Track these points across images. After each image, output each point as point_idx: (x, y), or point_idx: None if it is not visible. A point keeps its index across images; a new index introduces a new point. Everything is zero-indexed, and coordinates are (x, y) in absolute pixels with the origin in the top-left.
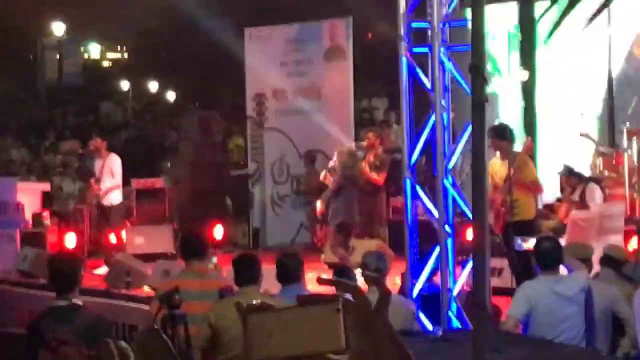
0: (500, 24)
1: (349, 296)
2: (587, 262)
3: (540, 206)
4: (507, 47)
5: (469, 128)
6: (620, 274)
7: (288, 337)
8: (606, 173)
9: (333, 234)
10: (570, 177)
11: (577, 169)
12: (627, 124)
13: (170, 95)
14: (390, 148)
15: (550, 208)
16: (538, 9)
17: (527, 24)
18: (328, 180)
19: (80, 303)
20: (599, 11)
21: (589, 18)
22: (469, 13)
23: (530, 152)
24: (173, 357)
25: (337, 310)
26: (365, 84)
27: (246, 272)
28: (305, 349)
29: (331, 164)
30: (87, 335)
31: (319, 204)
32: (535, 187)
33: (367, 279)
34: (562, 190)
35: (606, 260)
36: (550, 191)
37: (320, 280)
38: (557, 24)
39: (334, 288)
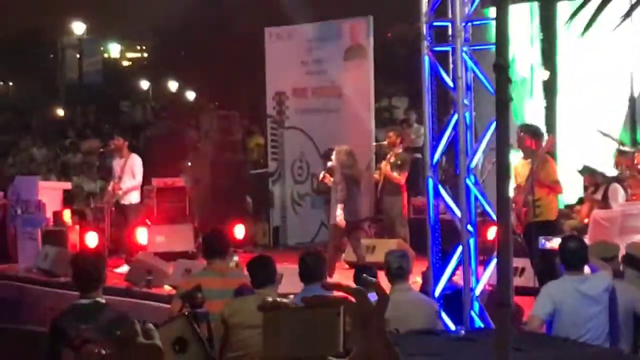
0: (520, 24)
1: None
2: (612, 261)
3: (562, 206)
4: (528, 46)
5: (492, 127)
6: None
7: (292, 337)
8: (628, 172)
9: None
10: (593, 176)
11: (600, 169)
12: None
13: (190, 95)
14: (410, 147)
15: (572, 208)
16: (560, 8)
17: (547, 24)
18: (327, 180)
19: (103, 301)
20: (631, 10)
21: (620, 17)
22: (489, 12)
23: (551, 149)
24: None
25: (338, 314)
26: (385, 83)
27: (261, 273)
28: (306, 351)
29: (329, 164)
30: (111, 333)
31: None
32: (555, 188)
33: (364, 283)
34: (585, 189)
35: (628, 259)
36: (572, 191)
37: (325, 285)
38: (593, 19)
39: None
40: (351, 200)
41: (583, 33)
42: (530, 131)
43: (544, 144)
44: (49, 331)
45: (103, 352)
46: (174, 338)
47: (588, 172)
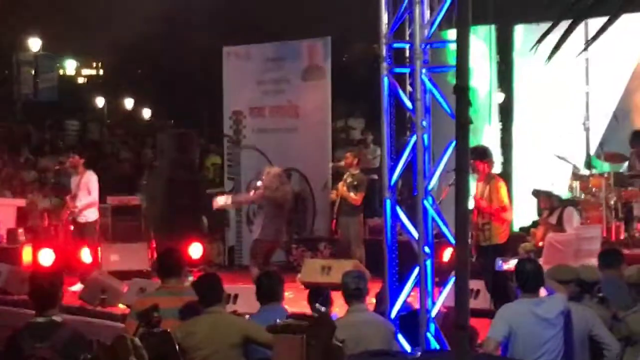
0: (476, 46)
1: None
2: (569, 283)
3: (516, 229)
4: (487, 68)
5: (450, 148)
6: (595, 296)
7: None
8: (583, 196)
9: (251, 249)
10: (549, 199)
11: (555, 192)
12: (603, 146)
13: (146, 112)
14: (367, 168)
15: (526, 231)
16: (516, 31)
17: (504, 46)
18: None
19: (60, 320)
20: (596, 36)
21: (585, 43)
22: (448, 34)
23: (484, 174)
24: None
25: (301, 340)
26: (342, 103)
27: (210, 292)
28: None
29: (259, 183)
30: (67, 352)
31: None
32: (500, 214)
33: (314, 313)
34: (538, 212)
35: (583, 283)
36: (527, 213)
37: (291, 315)
38: (558, 45)
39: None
40: (270, 221)
41: (548, 59)
42: (479, 153)
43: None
44: (4, 349)
45: None
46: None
47: (544, 195)
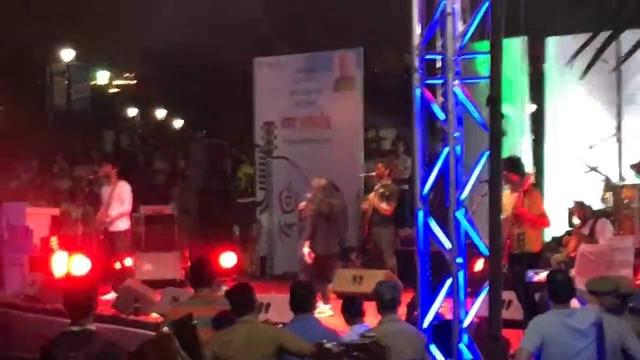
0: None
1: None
2: (607, 295)
3: (548, 239)
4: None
5: (482, 159)
6: (628, 307)
7: None
8: (615, 207)
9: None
10: (582, 209)
11: (587, 202)
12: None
13: (177, 123)
14: (398, 179)
15: (558, 241)
16: (548, 42)
17: (535, 57)
18: (308, 209)
19: (94, 329)
20: (633, 50)
21: (621, 58)
22: (479, 46)
23: (529, 185)
24: None
25: None
26: (372, 114)
27: (242, 302)
28: None
29: (308, 195)
30: None
31: (306, 250)
32: (542, 221)
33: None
34: (570, 223)
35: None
36: (559, 224)
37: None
38: (592, 61)
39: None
40: (319, 234)
41: (584, 75)
42: (512, 165)
43: (528, 172)
44: (38, 358)
45: None
46: None
47: (577, 205)
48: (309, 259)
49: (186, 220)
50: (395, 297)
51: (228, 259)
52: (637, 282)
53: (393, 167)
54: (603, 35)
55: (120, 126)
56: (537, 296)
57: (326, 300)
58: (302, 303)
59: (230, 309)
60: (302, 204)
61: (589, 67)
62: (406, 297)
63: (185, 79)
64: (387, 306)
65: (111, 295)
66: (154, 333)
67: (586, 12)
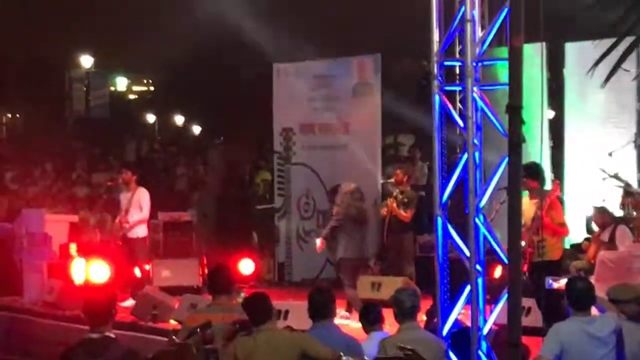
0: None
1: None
2: (629, 303)
3: (567, 246)
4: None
5: (501, 166)
6: None
7: None
8: (635, 213)
9: (337, 269)
10: (602, 215)
11: (608, 209)
12: None
13: (196, 129)
14: (415, 185)
15: (578, 248)
16: (567, 48)
17: (555, 64)
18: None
19: (113, 336)
20: None
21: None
22: (498, 52)
23: (558, 194)
24: None
25: None
26: (390, 119)
27: (258, 311)
28: None
29: (338, 200)
30: None
31: (317, 241)
32: (562, 230)
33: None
34: (589, 229)
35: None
36: (578, 231)
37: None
38: (614, 69)
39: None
40: (350, 239)
41: (605, 82)
42: (531, 172)
43: (548, 182)
44: None
45: None
46: None
47: (598, 211)
48: (318, 250)
49: (204, 226)
50: (415, 304)
51: (246, 266)
52: None
53: (411, 174)
54: (623, 43)
55: (139, 132)
56: (557, 303)
57: (354, 309)
58: (320, 309)
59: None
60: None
61: (610, 75)
62: (425, 304)
63: (203, 85)
64: (406, 314)
65: (130, 302)
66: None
67: (608, 19)
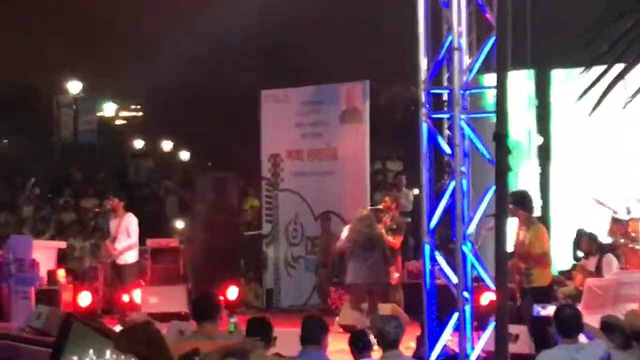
0: (517, 89)
1: None
2: (615, 331)
3: (555, 273)
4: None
5: (488, 194)
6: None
7: None
8: (622, 241)
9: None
10: (590, 242)
11: (595, 235)
12: None
13: (184, 155)
14: (400, 212)
15: (566, 274)
16: (554, 74)
17: (542, 90)
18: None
19: None
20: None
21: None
22: (484, 79)
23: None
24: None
25: None
26: (379, 146)
27: (259, 335)
28: None
29: (349, 226)
30: None
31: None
32: (540, 261)
33: None
34: (575, 256)
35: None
36: (566, 257)
37: None
38: (601, 98)
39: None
40: (361, 264)
41: (591, 113)
42: (519, 200)
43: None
44: None
45: None
46: None
47: (587, 237)
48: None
49: (192, 253)
50: (398, 336)
51: (231, 292)
52: None
53: (399, 200)
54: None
55: (128, 158)
56: (545, 330)
57: None
58: (312, 336)
59: (234, 344)
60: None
61: (597, 105)
62: (412, 330)
63: (191, 111)
64: (389, 344)
65: (117, 329)
66: None
67: (597, 46)
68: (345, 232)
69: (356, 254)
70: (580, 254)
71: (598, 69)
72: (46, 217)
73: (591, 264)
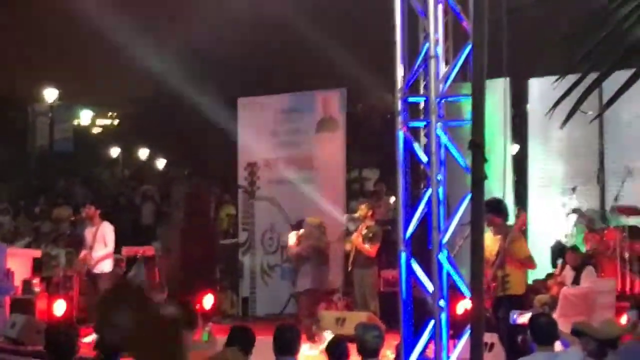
0: (492, 98)
1: None
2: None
3: (530, 281)
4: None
5: (464, 202)
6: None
7: None
8: (597, 249)
9: (301, 300)
10: (575, 256)
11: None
12: (617, 199)
13: (160, 163)
14: (381, 220)
15: (542, 283)
16: (530, 83)
17: (518, 99)
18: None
19: None
20: (615, 98)
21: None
22: (462, 88)
23: (524, 227)
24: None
25: None
26: (355, 154)
27: (241, 344)
28: None
29: (300, 231)
30: None
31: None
32: (528, 263)
33: None
34: (554, 264)
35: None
36: (541, 266)
37: None
38: (574, 109)
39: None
40: (319, 271)
41: (563, 124)
42: (494, 208)
43: (511, 217)
44: None
45: None
46: None
47: (572, 251)
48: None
49: (168, 261)
50: (379, 345)
51: (206, 301)
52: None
53: (376, 208)
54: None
55: (104, 166)
56: (519, 338)
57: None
58: (285, 345)
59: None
60: (293, 242)
61: (569, 116)
62: (389, 338)
63: (168, 119)
64: (368, 354)
65: (92, 337)
66: None
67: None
68: (293, 238)
69: (313, 261)
70: (559, 261)
71: (575, 77)
72: (21, 226)
73: (568, 277)
